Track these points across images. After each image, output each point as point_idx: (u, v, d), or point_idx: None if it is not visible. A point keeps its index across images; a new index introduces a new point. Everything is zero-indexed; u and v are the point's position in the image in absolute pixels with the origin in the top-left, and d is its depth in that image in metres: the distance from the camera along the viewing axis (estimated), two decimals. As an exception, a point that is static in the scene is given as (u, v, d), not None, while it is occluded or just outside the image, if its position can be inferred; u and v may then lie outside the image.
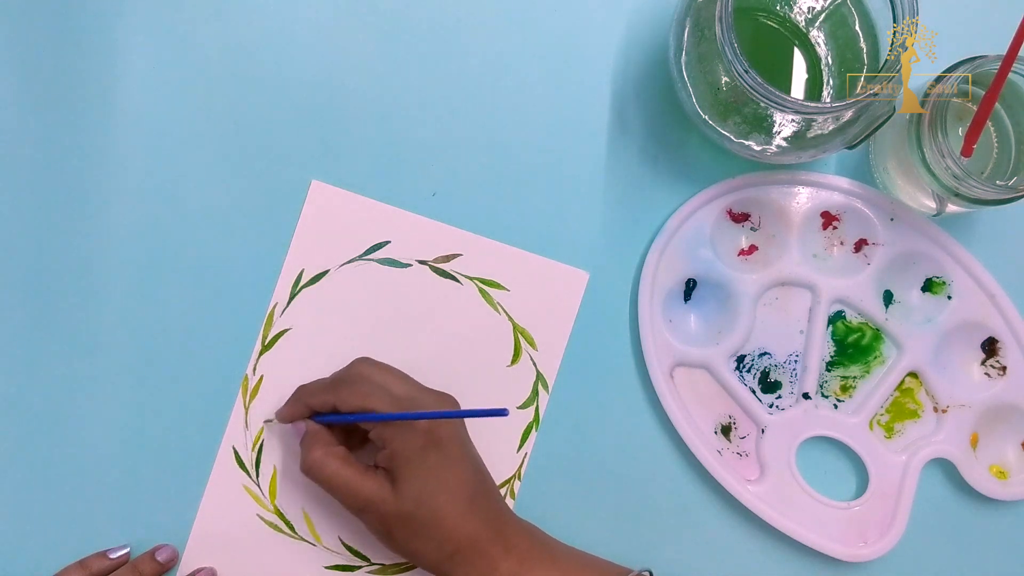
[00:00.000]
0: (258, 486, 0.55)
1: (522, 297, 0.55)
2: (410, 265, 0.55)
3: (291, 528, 0.54)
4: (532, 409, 0.55)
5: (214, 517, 0.54)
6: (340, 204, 0.55)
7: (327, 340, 0.55)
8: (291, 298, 0.55)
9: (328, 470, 0.49)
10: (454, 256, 0.55)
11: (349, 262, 0.55)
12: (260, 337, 0.55)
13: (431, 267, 0.55)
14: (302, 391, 0.52)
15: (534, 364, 0.55)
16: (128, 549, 0.53)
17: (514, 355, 0.55)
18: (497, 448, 0.54)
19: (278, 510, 0.54)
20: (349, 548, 0.54)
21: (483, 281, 0.55)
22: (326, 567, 0.54)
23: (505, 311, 0.55)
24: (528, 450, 0.55)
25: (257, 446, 0.55)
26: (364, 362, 0.52)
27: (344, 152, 0.55)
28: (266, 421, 0.54)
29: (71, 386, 0.54)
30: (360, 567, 0.54)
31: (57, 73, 0.54)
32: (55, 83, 0.54)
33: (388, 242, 0.55)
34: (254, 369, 0.55)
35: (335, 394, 0.50)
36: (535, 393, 0.55)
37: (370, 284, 0.55)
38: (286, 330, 0.55)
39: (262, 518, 0.54)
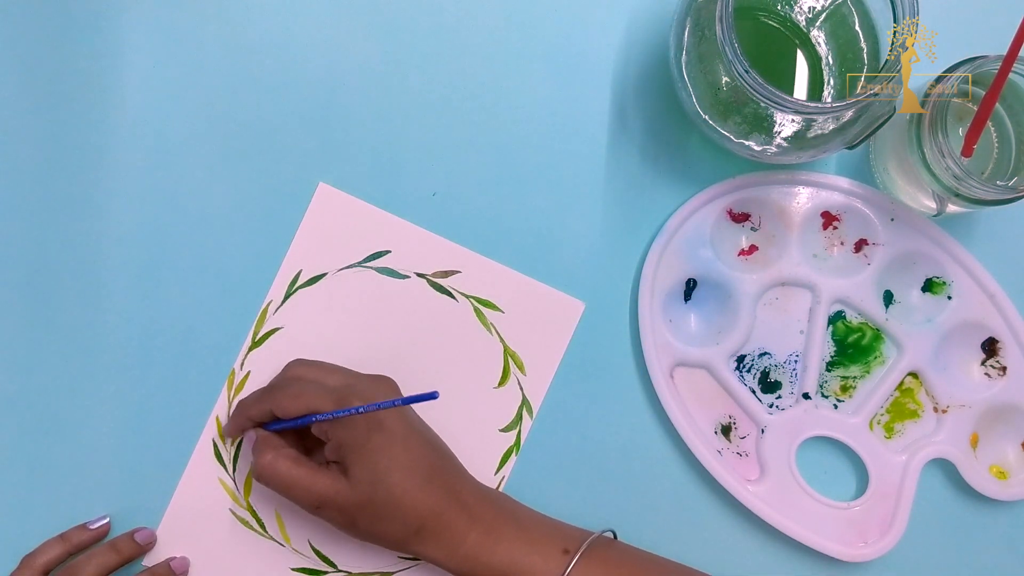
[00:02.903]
0: (233, 481, 0.55)
1: (516, 320, 0.55)
2: (408, 277, 0.55)
3: (262, 526, 0.55)
4: (514, 433, 0.55)
5: (187, 507, 0.54)
6: (344, 209, 0.55)
7: (317, 342, 0.55)
8: (286, 297, 0.55)
9: (279, 472, 0.49)
10: (453, 272, 0.55)
11: (347, 267, 0.55)
12: (251, 333, 0.55)
13: (429, 281, 0.55)
14: (241, 405, 0.52)
15: (521, 388, 0.55)
16: (107, 519, 0.53)
17: (502, 377, 0.55)
18: (473, 469, 0.53)
19: (251, 507, 0.55)
20: (318, 552, 0.54)
21: (479, 300, 0.55)
22: (293, 568, 0.54)
23: (498, 332, 0.55)
24: (506, 474, 0.55)
25: (237, 441, 0.55)
26: (296, 363, 0.53)
27: (345, 152, 0.55)
28: (222, 437, 0.55)
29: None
30: (326, 572, 0.55)
31: (57, 73, 0.54)
32: (55, 83, 0.54)
33: (388, 251, 0.55)
34: (241, 364, 0.55)
35: (271, 401, 0.50)
36: (519, 417, 0.55)
37: (366, 291, 0.55)
38: (277, 329, 0.55)
39: (234, 513, 0.55)
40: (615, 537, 0.53)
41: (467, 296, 0.55)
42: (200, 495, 0.54)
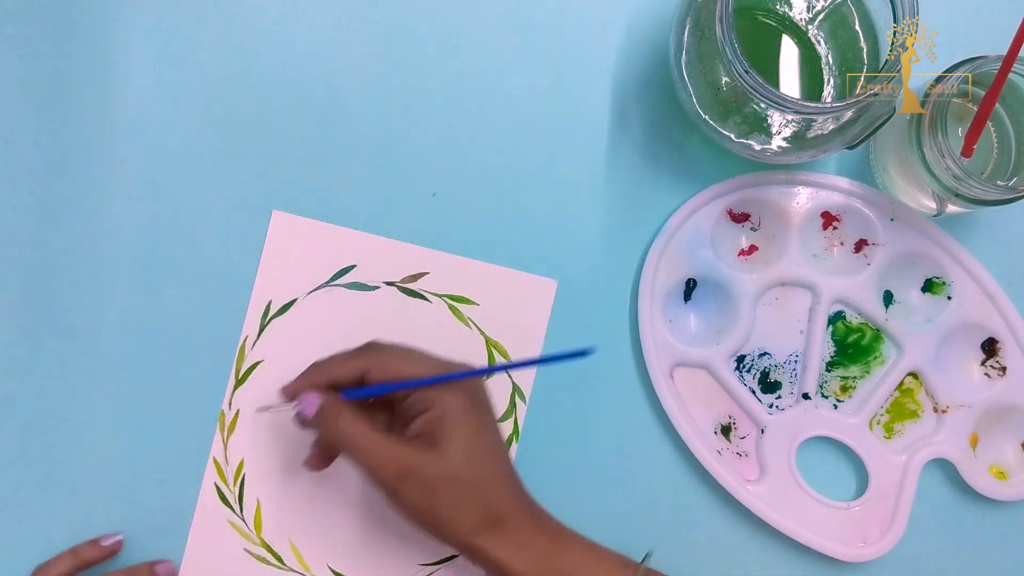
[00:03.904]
0: (243, 520, 0.54)
1: (492, 310, 0.55)
2: (378, 287, 0.55)
3: (279, 560, 0.54)
4: (511, 422, 0.55)
5: (202, 554, 0.54)
6: (302, 232, 0.55)
7: (301, 369, 0.54)
8: (261, 330, 0.55)
9: (361, 436, 0.45)
10: (421, 275, 0.55)
11: (316, 289, 0.55)
12: (233, 372, 0.55)
13: (399, 288, 0.55)
14: (319, 365, 0.48)
15: (509, 376, 0.55)
16: (120, 536, 0.53)
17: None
18: None
19: (265, 543, 0.54)
20: (337, 575, 0.54)
21: (452, 297, 0.55)
22: None
23: (476, 325, 0.55)
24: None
25: (239, 481, 0.55)
26: (377, 341, 0.49)
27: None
28: (259, 409, 0.54)
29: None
30: None
31: (57, 73, 0.54)
32: (55, 83, 0.54)
33: (354, 266, 0.55)
34: (230, 404, 0.55)
35: (366, 359, 0.47)
36: (512, 405, 0.55)
37: (339, 310, 0.55)
38: (259, 362, 0.55)
39: (250, 552, 0.54)
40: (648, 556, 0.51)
41: (439, 296, 0.55)
42: (213, 540, 0.54)
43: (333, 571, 0.55)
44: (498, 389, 0.55)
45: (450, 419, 0.46)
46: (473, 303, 0.55)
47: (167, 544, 0.54)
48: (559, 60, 0.55)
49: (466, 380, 0.47)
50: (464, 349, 0.55)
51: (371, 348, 0.49)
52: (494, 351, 0.55)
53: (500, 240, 0.55)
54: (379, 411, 0.49)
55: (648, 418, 0.56)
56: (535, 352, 0.55)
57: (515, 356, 0.55)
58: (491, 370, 0.46)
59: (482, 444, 0.46)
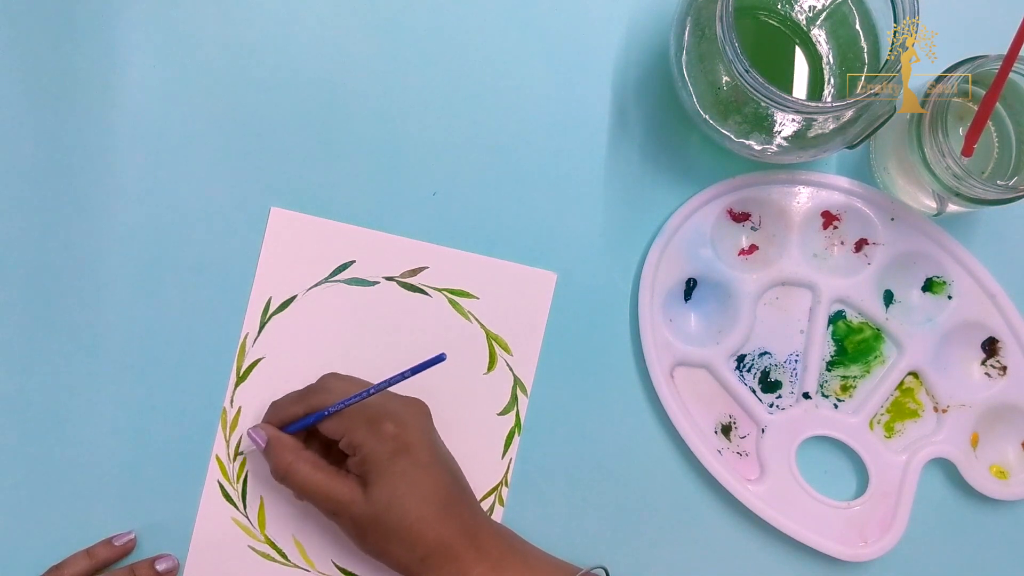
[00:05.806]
0: (247, 518, 0.54)
1: (492, 304, 0.55)
2: (377, 283, 0.55)
3: (284, 556, 0.54)
4: (512, 414, 0.55)
5: (206, 552, 0.54)
6: (301, 228, 0.55)
7: (301, 365, 0.54)
8: (261, 327, 0.55)
9: (300, 475, 0.49)
10: (420, 269, 0.55)
11: (316, 285, 0.55)
12: (234, 369, 0.55)
13: (398, 282, 0.55)
14: (274, 406, 0.53)
15: (510, 369, 0.55)
16: (133, 535, 0.53)
17: (489, 362, 0.55)
18: (481, 456, 0.54)
19: (269, 540, 0.55)
20: (343, 571, 0.55)
21: (452, 291, 0.55)
22: None
23: (477, 319, 0.55)
24: (512, 456, 0.55)
25: (242, 478, 0.55)
26: (332, 376, 0.53)
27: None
28: (242, 451, 0.54)
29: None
30: None
31: (57, 73, 0.54)
32: (55, 83, 0.54)
33: (353, 262, 0.55)
34: (231, 401, 0.55)
35: (304, 404, 0.51)
36: (514, 398, 0.55)
37: (339, 305, 0.55)
38: (259, 359, 0.55)
39: (254, 549, 0.54)
40: (607, 574, 0.52)
41: (439, 290, 0.55)
42: (217, 538, 0.54)
43: (337, 567, 0.55)
44: (500, 382, 0.55)
45: (373, 465, 0.48)
46: (473, 297, 0.55)
47: (171, 543, 0.54)
48: (559, 59, 0.55)
49: (395, 423, 0.49)
50: (465, 343, 0.55)
51: (318, 386, 0.52)
52: (494, 344, 0.55)
53: (499, 241, 0.55)
54: (332, 444, 0.51)
55: (648, 418, 0.56)
56: (536, 344, 0.55)
57: (516, 351, 0.55)
58: (369, 392, 0.48)
59: (404, 489, 0.48)
